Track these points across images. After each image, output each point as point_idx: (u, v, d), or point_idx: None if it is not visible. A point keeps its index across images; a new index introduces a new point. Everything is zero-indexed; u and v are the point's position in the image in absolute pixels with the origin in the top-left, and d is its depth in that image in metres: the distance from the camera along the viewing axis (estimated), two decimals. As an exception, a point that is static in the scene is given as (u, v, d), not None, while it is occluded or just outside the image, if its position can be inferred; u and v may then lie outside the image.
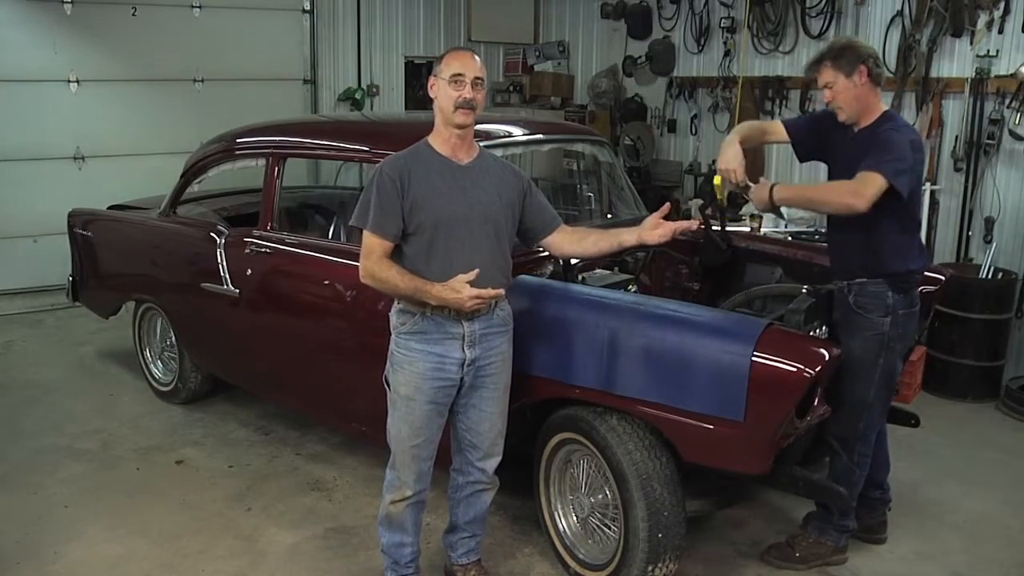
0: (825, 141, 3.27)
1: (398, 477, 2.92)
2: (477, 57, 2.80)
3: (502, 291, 2.80)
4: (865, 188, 2.87)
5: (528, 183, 2.99)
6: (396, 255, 2.78)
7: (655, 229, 2.95)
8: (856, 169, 2.94)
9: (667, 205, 3.04)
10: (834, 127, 3.20)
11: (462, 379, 2.83)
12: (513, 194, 2.91)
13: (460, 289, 2.68)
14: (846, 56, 3.07)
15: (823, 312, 3.17)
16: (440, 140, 2.83)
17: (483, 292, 2.70)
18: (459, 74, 2.74)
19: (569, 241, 3.07)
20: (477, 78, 2.75)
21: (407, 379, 2.81)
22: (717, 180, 3.28)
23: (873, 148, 2.97)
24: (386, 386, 2.91)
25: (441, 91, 2.77)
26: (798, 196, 3.19)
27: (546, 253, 3.51)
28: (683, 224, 2.98)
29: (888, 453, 3.49)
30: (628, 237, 3.01)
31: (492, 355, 2.86)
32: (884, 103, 3.16)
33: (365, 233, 2.77)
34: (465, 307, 2.71)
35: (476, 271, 2.73)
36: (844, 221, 3.09)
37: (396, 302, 2.87)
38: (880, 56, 3.20)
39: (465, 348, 2.79)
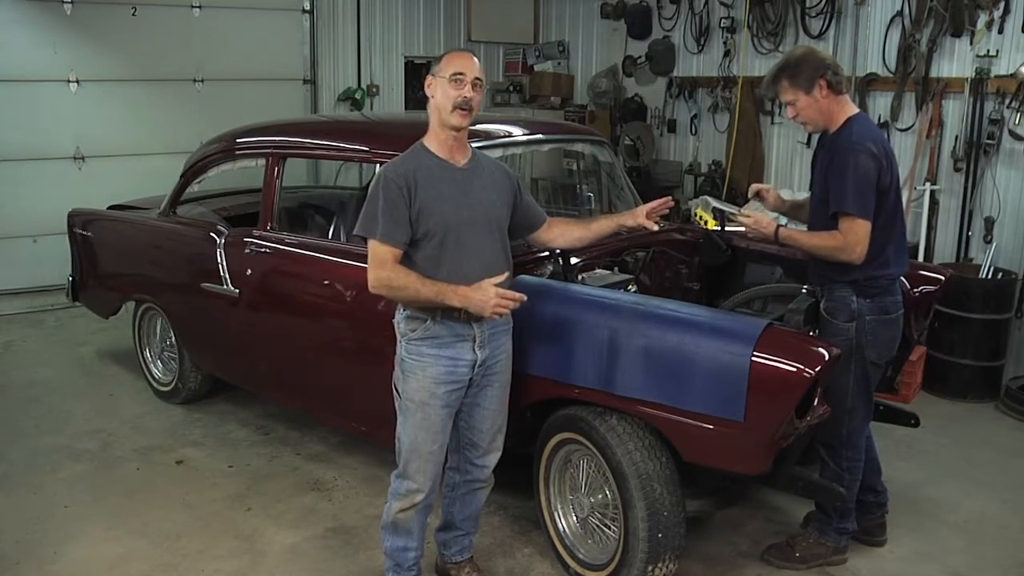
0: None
1: (408, 485, 2.87)
2: (477, 60, 2.80)
3: (524, 297, 2.74)
4: (854, 242, 2.92)
5: (518, 181, 3.02)
6: (402, 263, 2.73)
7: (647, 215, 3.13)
8: (825, 174, 3.02)
9: (668, 199, 3.16)
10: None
11: (471, 379, 2.83)
12: (508, 194, 2.94)
13: (487, 289, 2.64)
14: (803, 72, 3.01)
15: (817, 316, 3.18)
16: (436, 142, 2.81)
17: (510, 294, 2.68)
18: (460, 73, 2.72)
19: (559, 233, 3.16)
20: (477, 79, 2.74)
21: (420, 384, 2.78)
22: (699, 212, 3.29)
23: (833, 175, 2.97)
24: (396, 394, 2.87)
25: (440, 90, 2.75)
26: (802, 243, 3.12)
27: (546, 253, 3.52)
28: (660, 202, 3.14)
29: (877, 454, 3.48)
30: (626, 219, 3.17)
31: (499, 354, 2.88)
32: (852, 106, 3.11)
33: (373, 243, 2.71)
34: (488, 309, 2.65)
35: (506, 274, 2.76)
36: (813, 227, 3.13)
37: (401, 308, 2.82)
38: (839, 64, 3.10)
39: (476, 349, 2.79)
